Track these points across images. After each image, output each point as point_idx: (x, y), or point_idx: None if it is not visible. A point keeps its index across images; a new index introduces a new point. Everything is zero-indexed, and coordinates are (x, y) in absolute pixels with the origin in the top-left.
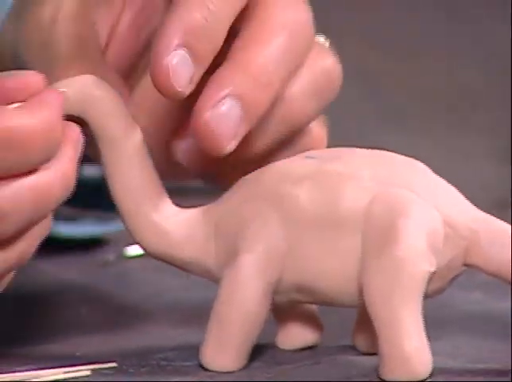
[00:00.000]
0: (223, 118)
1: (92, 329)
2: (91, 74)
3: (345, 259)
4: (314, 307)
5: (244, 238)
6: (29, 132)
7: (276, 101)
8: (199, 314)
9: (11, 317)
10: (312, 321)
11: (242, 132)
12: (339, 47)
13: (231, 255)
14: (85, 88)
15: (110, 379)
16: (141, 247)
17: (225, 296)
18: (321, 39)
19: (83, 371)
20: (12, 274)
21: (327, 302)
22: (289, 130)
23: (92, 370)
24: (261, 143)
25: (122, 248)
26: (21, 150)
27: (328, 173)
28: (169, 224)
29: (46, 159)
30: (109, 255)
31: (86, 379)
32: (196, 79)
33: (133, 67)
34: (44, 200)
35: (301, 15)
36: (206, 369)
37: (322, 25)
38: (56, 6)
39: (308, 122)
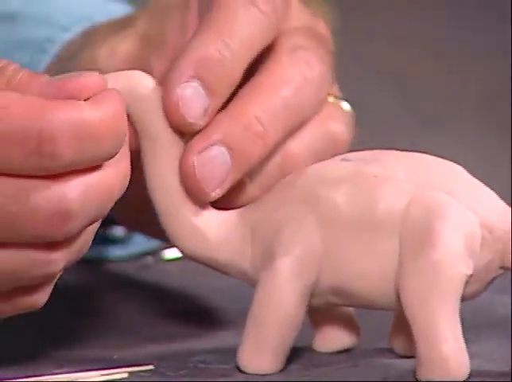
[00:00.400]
0: (209, 164)
1: (130, 331)
2: None
3: (382, 261)
4: (351, 310)
5: (281, 241)
6: (101, 125)
7: (271, 153)
8: (237, 317)
9: (49, 319)
10: (348, 323)
11: (229, 180)
12: (375, 50)
13: (267, 257)
14: (132, 83)
15: (147, 381)
16: (178, 248)
17: (262, 299)
18: (343, 103)
19: (121, 373)
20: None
21: (363, 305)
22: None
23: (129, 373)
24: (256, 188)
25: (160, 251)
26: (94, 142)
27: (365, 175)
28: (207, 225)
29: (113, 153)
30: (147, 258)
31: (123, 381)
32: (212, 111)
33: None
34: (108, 198)
35: (313, 73)
36: (243, 372)
37: (357, 28)
38: (112, 47)
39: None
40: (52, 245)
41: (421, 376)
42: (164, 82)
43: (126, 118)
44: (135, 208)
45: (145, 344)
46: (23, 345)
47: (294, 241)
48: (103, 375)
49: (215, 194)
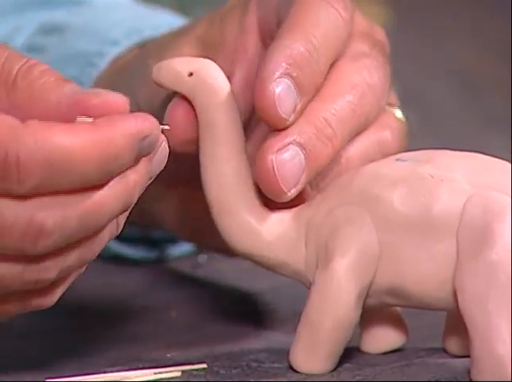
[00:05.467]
0: (287, 163)
1: (182, 330)
2: None
3: (439, 262)
4: (398, 309)
5: (337, 241)
6: (74, 152)
7: (334, 157)
8: (290, 316)
9: (102, 318)
10: (396, 323)
11: (303, 181)
12: (441, 49)
13: (323, 257)
14: (202, 72)
15: (200, 380)
16: (231, 245)
17: (318, 301)
18: (397, 111)
19: (174, 372)
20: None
21: (419, 305)
22: None
23: (182, 371)
24: (314, 191)
25: None
26: (65, 169)
27: (421, 175)
28: (262, 224)
29: (96, 179)
30: (199, 257)
31: (176, 380)
32: (300, 109)
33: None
34: (92, 219)
35: (375, 79)
36: (296, 371)
37: (423, 26)
38: (172, 52)
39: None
40: (40, 256)
41: (476, 376)
42: (257, 78)
43: (131, 144)
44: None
45: (199, 343)
46: (76, 344)
47: (351, 242)
48: (156, 373)
49: (291, 194)
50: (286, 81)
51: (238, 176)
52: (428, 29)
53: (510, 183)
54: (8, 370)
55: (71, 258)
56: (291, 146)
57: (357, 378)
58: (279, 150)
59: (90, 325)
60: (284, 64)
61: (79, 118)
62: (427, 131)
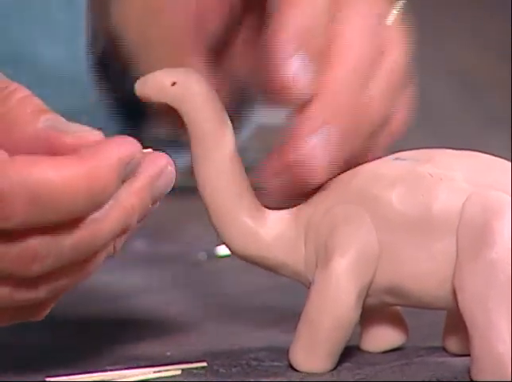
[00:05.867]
0: (318, 148)
1: (182, 329)
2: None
3: (439, 261)
4: (398, 308)
5: (336, 241)
6: (60, 186)
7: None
8: (289, 315)
9: (101, 317)
10: (396, 322)
11: (337, 161)
12: (441, 49)
13: (322, 257)
14: (184, 80)
15: (200, 379)
16: (229, 248)
17: (317, 300)
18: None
19: (173, 370)
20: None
21: (418, 305)
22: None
23: (182, 370)
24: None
25: (213, 248)
26: (52, 204)
27: (421, 174)
28: (259, 225)
29: (85, 211)
30: (200, 255)
31: (176, 378)
32: (315, 79)
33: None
34: (87, 245)
35: (373, 20)
36: (295, 370)
37: (423, 26)
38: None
39: (388, 117)
40: (33, 279)
41: (476, 375)
42: (269, 59)
43: (110, 175)
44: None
45: (198, 341)
46: (76, 343)
47: (350, 241)
48: (156, 372)
49: (325, 177)
50: (300, 57)
51: (233, 177)
52: (428, 29)
53: (510, 182)
54: (8, 370)
55: (62, 281)
56: (322, 128)
57: (357, 377)
58: (309, 134)
59: (90, 325)
60: (293, 39)
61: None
62: (427, 131)
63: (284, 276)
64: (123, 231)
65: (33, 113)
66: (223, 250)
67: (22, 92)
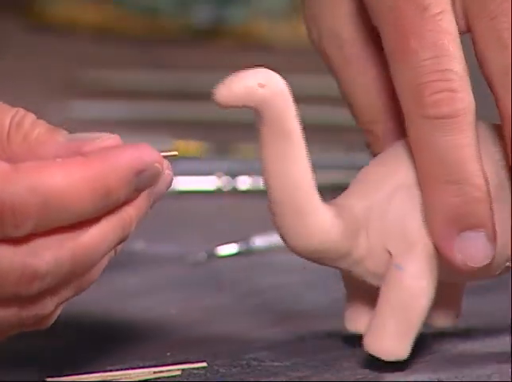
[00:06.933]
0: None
1: (182, 329)
2: None
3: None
4: None
5: (410, 226)
6: (68, 190)
7: None
8: (289, 315)
9: (101, 317)
10: None
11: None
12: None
13: (398, 243)
14: (273, 82)
15: (200, 379)
16: (289, 244)
17: (411, 285)
18: None
19: (174, 371)
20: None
21: (468, 278)
22: None
23: (182, 370)
24: None
25: (213, 248)
26: (61, 208)
27: None
28: (323, 221)
29: (90, 215)
30: (200, 255)
31: (176, 379)
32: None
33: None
34: (85, 258)
35: None
36: (296, 370)
37: None
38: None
39: None
40: (35, 296)
41: None
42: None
43: (117, 179)
44: None
45: (198, 341)
46: (76, 343)
47: (418, 233)
48: (156, 372)
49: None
50: (474, 235)
51: (308, 177)
52: None
53: None
54: (8, 370)
55: (67, 292)
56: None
57: (357, 377)
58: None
59: (89, 325)
60: (453, 222)
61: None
62: None
63: (337, 268)
64: (122, 241)
65: (48, 132)
66: (223, 250)
67: (31, 116)
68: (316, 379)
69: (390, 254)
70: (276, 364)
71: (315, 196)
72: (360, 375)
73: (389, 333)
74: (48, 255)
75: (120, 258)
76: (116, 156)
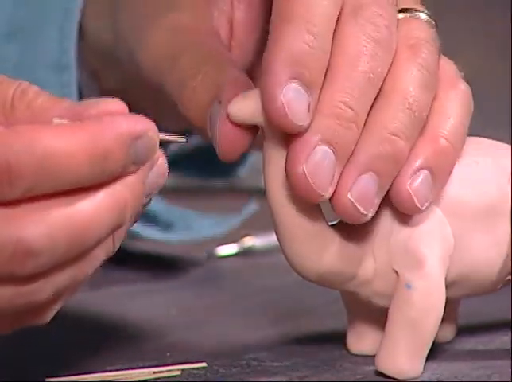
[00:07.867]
0: (319, 168)
1: (182, 328)
2: (221, 73)
3: (501, 245)
4: None
5: (419, 240)
6: (63, 154)
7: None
8: (289, 315)
9: (101, 317)
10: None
11: (337, 176)
12: (441, 49)
13: (406, 259)
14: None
15: (200, 379)
16: (298, 268)
17: (421, 302)
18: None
19: (173, 371)
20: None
21: (475, 293)
22: None
23: (182, 370)
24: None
25: (213, 248)
26: (56, 171)
27: (467, 164)
28: (332, 245)
29: (86, 182)
30: (200, 255)
31: (176, 379)
32: (313, 106)
33: (253, 65)
34: (82, 235)
35: (382, 30)
36: (296, 370)
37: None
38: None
39: None
40: (29, 277)
41: None
42: (262, 88)
43: (114, 142)
44: None
45: (198, 341)
46: (76, 343)
47: (434, 239)
48: (156, 372)
49: (329, 194)
50: (294, 86)
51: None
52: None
53: None
54: (8, 370)
55: (62, 279)
56: (317, 147)
57: (357, 377)
58: (307, 156)
59: (89, 325)
60: (287, 67)
61: (56, 120)
62: None
63: (343, 290)
64: (117, 226)
65: (52, 100)
66: (223, 250)
67: (34, 87)
68: (316, 379)
69: (397, 273)
70: (276, 364)
71: (323, 220)
72: (360, 375)
73: (401, 352)
74: (41, 228)
75: (120, 258)
76: (112, 121)
